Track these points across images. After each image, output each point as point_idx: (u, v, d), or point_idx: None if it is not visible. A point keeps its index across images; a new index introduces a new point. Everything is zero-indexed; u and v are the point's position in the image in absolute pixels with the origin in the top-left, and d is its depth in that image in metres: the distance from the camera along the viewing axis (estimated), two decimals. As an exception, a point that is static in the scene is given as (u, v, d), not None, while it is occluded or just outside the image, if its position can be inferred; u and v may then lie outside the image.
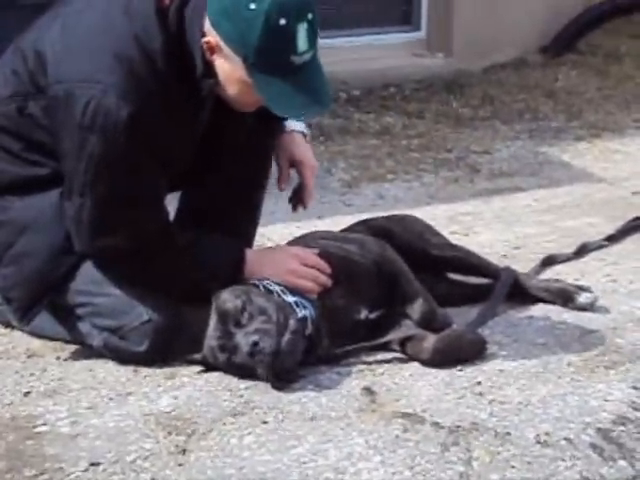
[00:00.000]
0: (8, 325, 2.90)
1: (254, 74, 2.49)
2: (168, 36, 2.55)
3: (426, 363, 2.63)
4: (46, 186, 2.67)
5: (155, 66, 2.53)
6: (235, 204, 2.93)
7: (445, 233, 3.24)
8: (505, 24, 6.42)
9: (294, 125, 2.92)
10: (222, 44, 2.50)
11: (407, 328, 2.71)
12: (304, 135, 2.95)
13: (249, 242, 2.96)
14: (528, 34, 6.61)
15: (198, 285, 2.68)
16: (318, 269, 2.69)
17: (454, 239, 3.31)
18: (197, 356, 2.61)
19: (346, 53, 5.99)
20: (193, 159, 2.75)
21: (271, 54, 2.46)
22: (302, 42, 2.47)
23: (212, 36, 2.51)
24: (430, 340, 2.64)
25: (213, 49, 2.52)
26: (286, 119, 2.87)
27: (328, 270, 2.69)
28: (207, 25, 2.52)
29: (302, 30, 2.46)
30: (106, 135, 2.49)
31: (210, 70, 2.56)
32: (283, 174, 2.91)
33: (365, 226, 3.02)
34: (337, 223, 3.32)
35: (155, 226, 2.65)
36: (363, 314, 2.70)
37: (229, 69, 2.53)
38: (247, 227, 3.00)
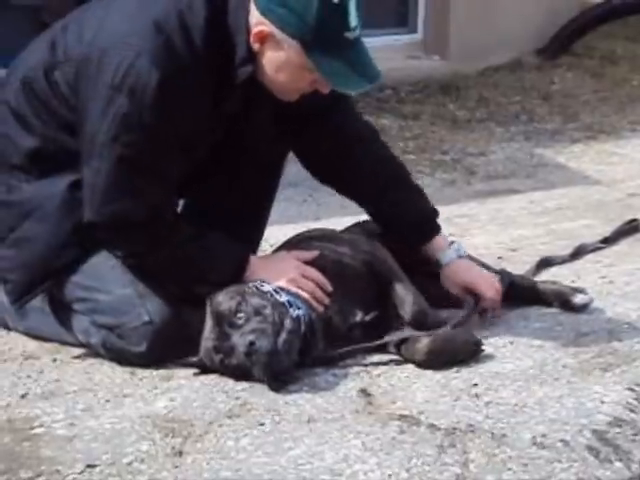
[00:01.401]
0: (4, 327, 2.90)
1: (313, 54, 2.52)
2: (211, 17, 2.56)
3: (420, 364, 2.64)
4: (57, 170, 2.67)
5: (193, 42, 2.55)
6: (242, 210, 2.94)
7: (441, 235, 3.24)
8: (501, 26, 6.43)
9: (452, 254, 2.89)
10: (276, 31, 2.52)
11: (402, 329, 2.71)
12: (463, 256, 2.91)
13: (253, 249, 2.97)
14: (524, 36, 6.62)
15: (198, 278, 2.68)
16: (318, 284, 2.70)
17: (450, 241, 3.31)
18: (193, 359, 2.61)
19: (342, 55, 5.99)
20: (207, 156, 2.75)
21: (328, 32, 2.50)
22: (353, 18, 2.52)
23: (264, 25, 2.53)
24: (424, 341, 2.65)
25: (264, 38, 2.54)
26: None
27: (328, 288, 2.69)
28: (256, 15, 2.54)
29: (352, 6, 2.51)
30: (134, 97, 2.51)
31: (251, 58, 2.57)
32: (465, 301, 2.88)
33: (361, 228, 3.02)
34: (333, 225, 3.32)
35: (164, 204, 2.65)
36: (358, 317, 2.70)
37: (283, 56, 2.55)
38: (252, 234, 3.01)
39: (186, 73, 2.54)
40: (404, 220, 2.90)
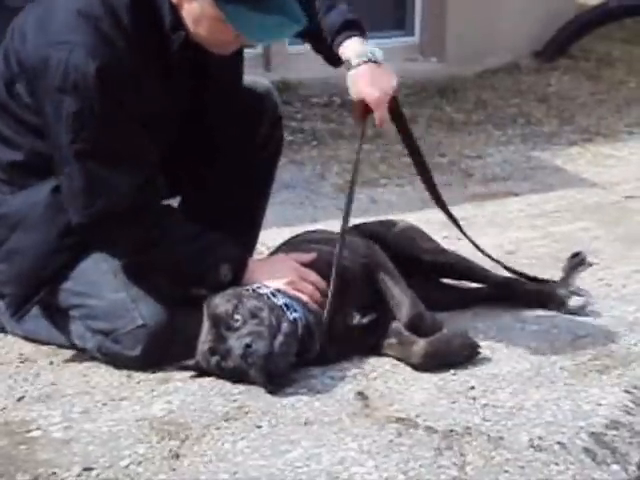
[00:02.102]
0: (1, 330, 2.90)
1: (223, 6, 2.52)
2: None
3: (416, 367, 2.64)
4: (39, 177, 2.67)
5: (121, 23, 2.56)
6: (235, 210, 2.93)
7: (438, 238, 3.24)
8: (498, 29, 6.44)
9: (358, 57, 2.75)
10: None
11: (399, 332, 2.71)
12: (372, 61, 2.76)
13: (249, 250, 2.97)
14: (521, 39, 6.63)
15: (195, 279, 2.69)
16: (316, 287, 2.70)
17: (447, 244, 3.31)
18: (190, 362, 2.61)
19: (339, 58, 6.00)
20: (179, 132, 2.75)
21: None
22: None
23: None
24: (420, 344, 2.65)
25: None
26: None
27: (326, 291, 2.69)
28: None
29: None
30: (78, 92, 2.51)
31: (179, 22, 2.58)
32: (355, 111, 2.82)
33: (358, 231, 3.02)
34: (331, 228, 3.32)
35: (144, 189, 2.63)
36: (356, 319, 2.70)
37: (198, 9, 2.56)
38: (247, 236, 3.01)
39: (121, 53, 2.53)
40: (332, 21, 2.77)
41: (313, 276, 2.71)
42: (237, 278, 2.68)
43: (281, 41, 2.58)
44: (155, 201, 2.69)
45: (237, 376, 2.54)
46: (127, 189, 2.59)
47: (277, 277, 2.68)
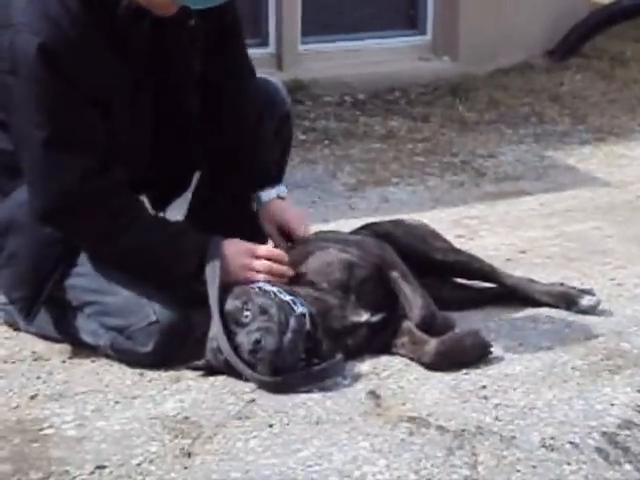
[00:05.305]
0: (15, 328, 2.91)
1: None
2: None
3: (428, 366, 2.64)
4: (23, 179, 2.66)
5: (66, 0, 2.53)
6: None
7: (450, 237, 3.24)
8: (511, 28, 6.42)
9: (272, 193, 2.95)
10: None
11: (410, 331, 2.71)
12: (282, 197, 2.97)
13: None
14: (533, 38, 6.61)
15: (161, 267, 2.67)
16: (272, 259, 2.69)
17: (459, 243, 3.31)
18: (199, 362, 2.62)
19: (352, 57, 6.00)
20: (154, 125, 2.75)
21: None
22: None
23: None
24: (432, 343, 2.65)
25: None
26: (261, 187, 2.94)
27: (284, 258, 2.71)
28: None
29: None
30: (24, 72, 2.51)
31: None
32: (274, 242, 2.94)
33: (370, 230, 3.02)
34: (342, 227, 3.32)
35: (104, 178, 2.61)
36: (364, 317, 2.70)
37: None
38: (257, 233, 3.01)
39: (65, 29, 2.52)
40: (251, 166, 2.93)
41: (264, 249, 2.72)
42: (203, 266, 2.66)
43: (215, 3, 2.54)
44: (117, 189, 2.66)
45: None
46: (79, 172, 2.58)
47: (231, 262, 2.66)
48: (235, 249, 2.70)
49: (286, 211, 2.95)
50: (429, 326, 2.69)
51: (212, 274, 2.63)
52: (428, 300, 2.73)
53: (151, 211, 2.95)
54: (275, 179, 3.00)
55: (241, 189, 2.96)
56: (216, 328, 2.57)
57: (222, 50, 2.86)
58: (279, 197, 2.97)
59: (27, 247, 2.71)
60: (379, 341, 2.72)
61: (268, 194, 2.95)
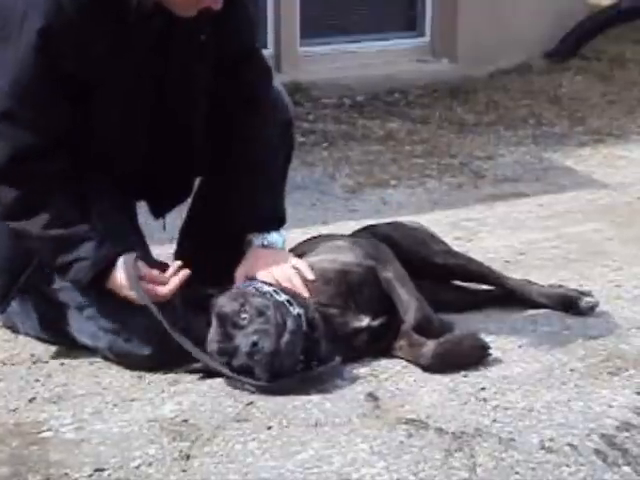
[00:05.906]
0: (13, 331, 2.91)
1: None
2: None
3: (426, 368, 2.64)
4: None
5: None
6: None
7: (449, 239, 3.24)
8: (509, 30, 6.43)
9: (258, 240, 2.88)
10: None
11: (408, 334, 2.70)
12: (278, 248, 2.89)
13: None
14: (532, 40, 6.62)
15: (60, 266, 2.63)
16: (159, 282, 2.64)
17: (458, 245, 3.31)
18: (197, 365, 2.62)
19: (351, 59, 6.01)
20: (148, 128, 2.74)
21: None
22: None
23: None
24: (429, 345, 2.65)
25: None
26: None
27: (170, 282, 2.62)
28: None
29: None
30: (13, 37, 2.51)
31: None
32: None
33: (368, 233, 3.02)
34: (341, 229, 3.32)
35: (37, 161, 2.59)
36: (365, 322, 2.70)
37: None
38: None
39: (70, 16, 2.50)
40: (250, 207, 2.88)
41: (154, 273, 2.64)
42: (99, 281, 2.62)
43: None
44: (47, 177, 2.61)
45: (243, 375, 2.53)
46: (13, 150, 2.56)
47: (124, 282, 2.61)
48: (127, 274, 2.61)
49: (256, 269, 2.79)
50: (424, 329, 2.69)
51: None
52: (423, 303, 2.73)
53: (151, 217, 2.96)
54: (271, 222, 2.91)
55: (233, 228, 2.88)
56: (193, 351, 2.55)
57: (234, 76, 2.83)
58: (264, 246, 2.86)
59: (2, 235, 2.71)
60: (380, 344, 2.72)
61: (258, 239, 2.87)
